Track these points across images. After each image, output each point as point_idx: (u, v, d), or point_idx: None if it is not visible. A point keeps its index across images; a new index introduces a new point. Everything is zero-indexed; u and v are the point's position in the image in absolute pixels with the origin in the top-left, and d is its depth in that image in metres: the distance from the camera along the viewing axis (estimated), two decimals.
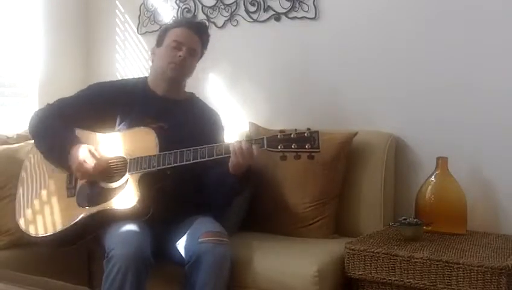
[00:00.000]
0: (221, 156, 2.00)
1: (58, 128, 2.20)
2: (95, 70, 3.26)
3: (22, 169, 2.27)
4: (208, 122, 2.32)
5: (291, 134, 1.95)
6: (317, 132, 1.94)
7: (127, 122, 2.22)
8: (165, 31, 2.34)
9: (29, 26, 3.00)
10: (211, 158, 2.00)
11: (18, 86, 2.98)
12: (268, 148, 1.97)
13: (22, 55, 2.98)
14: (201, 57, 2.38)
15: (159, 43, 2.33)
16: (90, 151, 2.11)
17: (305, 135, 1.93)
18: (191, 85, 2.40)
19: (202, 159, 2.00)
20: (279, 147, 1.95)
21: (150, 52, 2.42)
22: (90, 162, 2.09)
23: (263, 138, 1.99)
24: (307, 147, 1.93)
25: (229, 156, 1.99)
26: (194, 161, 2.01)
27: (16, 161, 2.32)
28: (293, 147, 1.93)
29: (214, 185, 2.16)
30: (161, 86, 2.29)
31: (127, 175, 2.09)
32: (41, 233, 2.11)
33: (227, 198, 2.24)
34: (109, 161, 2.16)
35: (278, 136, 1.96)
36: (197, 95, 2.44)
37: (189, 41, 2.28)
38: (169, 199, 2.10)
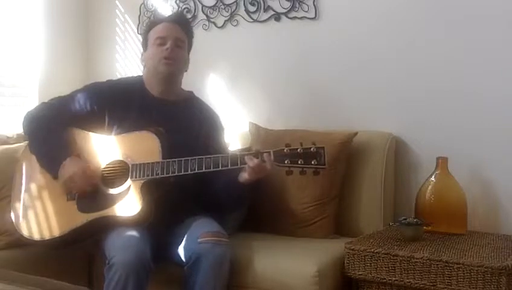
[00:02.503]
0: (226, 168, 1.98)
1: (52, 132, 2.15)
2: (95, 70, 3.26)
3: (17, 168, 2.22)
4: (208, 124, 2.29)
5: (297, 149, 1.94)
6: (323, 147, 1.94)
7: (125, 124, 2.18)
8: (146, 34, 2.30)
9: (29, 26, 3.01)
10: (216, 169, 1.99)
11: (18, 86, 2.98)
12: (275, 163, 1.96)
13: (22, 55, 2.98)
14: (190, 47, 2.32)
15: (144, 47, 2.29)
16: (83, 169, 2.07)
17: (312, 150, 1.93)
18: (191, 85, 2.39)
19: (207, 170, 1.99)
20: (285, 162, 1.95)
21: (140, 60, 2.38)
22: (80, 182, 2.06)
23: (270, 151, 1.97)
24: (313, 163, 1.93)
25: (235, 168, 1.98)
26: (199, 171, 1.99)
27: (15, 161, 2.31)
28: (299, 162, 1.93)
29: (222, 194, 2.14)
30: (157, 87, 2.24)
31: (129, 181, 2.06)
32: (38, 237, 2.09)
33: (234, 206, 2.26)
34: (109, 166, 2.13)
35: (285, 151, 1.95)
36: (197, 95, 2.40)
37: (171, 33, 2.21)
38: (170, 204, 2.08)
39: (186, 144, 2.11)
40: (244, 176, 2.00)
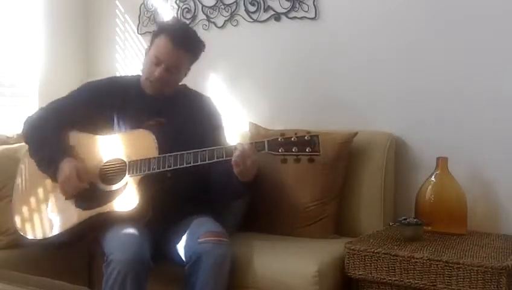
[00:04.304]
0: (222, 159, 1.99)
1: (51, 137, 2.16)
2: (95, 70, 3.26)
3: (18, 171, 2.24)
4: (203, 113, 2.28)
5: (291, 137, 1.94)
6: (317, 135, 1.94)
7: (125, 121, 2.21)
8: (156, 34, 2.24)
9: (29, 26, 3.01)
10: (212, 161, 1.99)
11: (18, 86, 2.98)
12: (269, 152, 1.97)
13: (22, 55, 2.98)
14: (193, 63, 2.27)
15: (150, 46, 2.26)
16: (76, 170, 2.07)
17: (306, 138, 1.93)
18: (191, 85, 2.38)
19: (203, 162, 1.99)
20: (279, 151, 1.95)
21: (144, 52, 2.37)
22: (74, 183, 2.06)
23: (264, 141, 1.98)
24: (307, 150, 1.93)
25: (231, 159, 1.97)
26: (195, 164, 2.00)
27: (15, 161, 2.32)
28: (293, 150, 1.93)
29: (215, 185, 2.16)
30: (149, 89, 2.24)
31: (127, 177, 2.08)
32: (38, 236, 2.10)
33: (227, 199, 2.25)
34: (107, 164, 2.15)
35: (279, 139, 1.96)
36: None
37: (169, 58, 2.17)
38: (168, 200, 2.09)
39: (183, 137, 2.12)
40: (238, 176, 1.99)
